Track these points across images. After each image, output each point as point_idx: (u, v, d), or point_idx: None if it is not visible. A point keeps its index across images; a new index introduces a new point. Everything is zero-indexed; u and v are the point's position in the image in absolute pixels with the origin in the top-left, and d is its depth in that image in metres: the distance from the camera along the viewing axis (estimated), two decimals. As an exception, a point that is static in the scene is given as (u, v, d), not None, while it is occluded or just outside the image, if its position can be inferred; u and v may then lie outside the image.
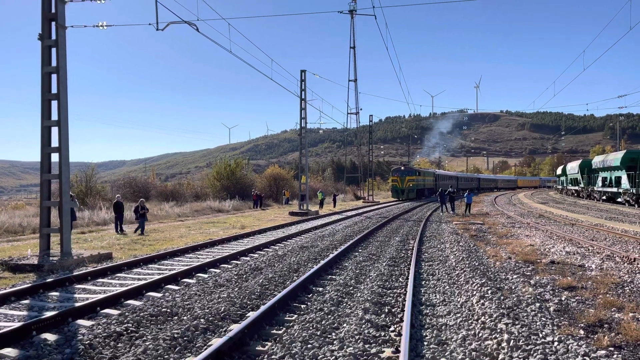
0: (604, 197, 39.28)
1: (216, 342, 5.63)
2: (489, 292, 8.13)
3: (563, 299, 7.70)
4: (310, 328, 6.34)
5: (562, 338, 5.78)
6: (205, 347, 5.75)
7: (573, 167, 52.22)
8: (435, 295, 8.28)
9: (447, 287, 8.90)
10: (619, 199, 35.25)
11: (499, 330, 6.14)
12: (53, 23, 12.52)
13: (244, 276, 9.93)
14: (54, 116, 12.55)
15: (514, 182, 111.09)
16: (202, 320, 6.67)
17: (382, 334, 6.19)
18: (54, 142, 12.61)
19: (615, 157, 35.68)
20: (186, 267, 10.52)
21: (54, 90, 12.51)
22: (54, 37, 12.50)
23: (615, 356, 5.24)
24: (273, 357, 5.40)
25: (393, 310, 7.31)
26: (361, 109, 62.94)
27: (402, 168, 54.81)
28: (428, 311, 7.31)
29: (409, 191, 52.33)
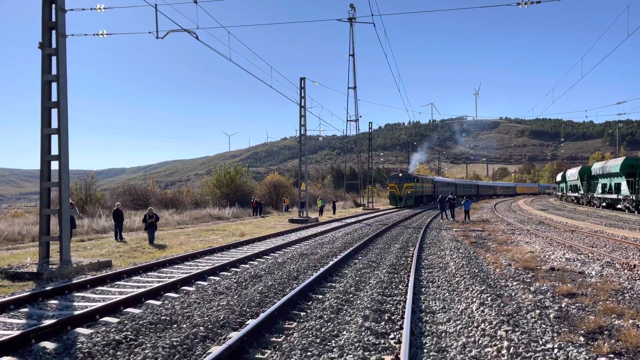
0: (604, 204, 39.27)
1: (215, 350, 5.62)
2: (489, 299, 8.12)
3: (563, 305, 7.69)
4: (310, 336, 6.33)
5: (562, 345, 5.77)
6: (205, 355, 5.74)
7: (573, 173, 52.27)
8: (435, 302, 8.27)
9: (447, 294, 8.89)
10: (619, 206, 35.23)
11: (498, 337, 6.13)
12: (53, 32, 12.60)
13: (244, 284, 9.91)
14: (54, 124, 12.59)
15: (512, 189, 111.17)
16: (201, 328, 6.65)
17: (382, 341, 6.17)
18: (54, 150, 12.65)
19: (614, 164, 35.73)
20: (186, 275, 10.50)
21: (54, 98, 12.56)
22: (54, 45, 12.57)
23: (615, 363, 5.23)
24: (272, 365, 5.39)
25: (393, 317, 7.29)
26: (361, 116, 63.04)
27: (400, 175, 54.38)
28: (428, 318, 7.29)
29: (407, 198, 51.80)
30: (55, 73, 12.52)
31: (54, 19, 12.54)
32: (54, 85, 12.61)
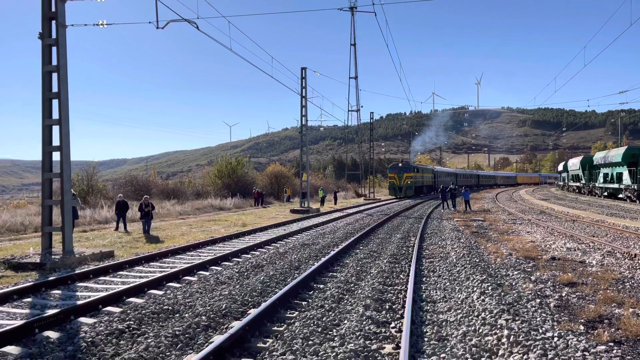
0: (606, 193, 39.24)
1: (217, 339, 5.66)
2: (490, 288, 8.15)
3: (563, 294, 7.72)
4: (311, 325, 6.37)
5: (562, 333, 5.80)
6: (207, 344, 5.78)
7: (574, 163, 52.18)
8: (436, 292, 8.31)
9: (448, 283, 8.92)
10: (620, 195, 35.21)
11: (499, 326, 6.16)
12: (53, 22, 12.54)
13: (245, 273, 9.96)
14: (55, 115, 12.58)
15: (513, 178, 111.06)
16: (203, 317, 6.70)
17: (383, 330, 6.22)
18: (55, 141, 12.64)
19: (616, 153, 35.64)
20: (188, 265, 10.54)
21: (55, 89, 12.53)
22: (54, 35, 12.51)
23: (615, 351, 5.25)
24: (274, 353, 5.43)
25: (394, 306, 7.33)
26: (362, 106, 62.89)
27: (400, 165, 53.56)
28: (429, 307, 7.33)
29: (407, 188, 51.04)
30: (55, 63, 12.48)
31: (53, 9, 12.48)
32: (54, 75, 12.57)
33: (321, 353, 5.41)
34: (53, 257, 11.80)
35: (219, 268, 10.78)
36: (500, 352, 5.39)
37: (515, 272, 9.57)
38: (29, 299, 8.19)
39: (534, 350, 5.31)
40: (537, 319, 6.39)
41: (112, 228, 20.52)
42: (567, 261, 10.83)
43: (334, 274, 9.92)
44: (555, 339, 5.65)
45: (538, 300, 7.32)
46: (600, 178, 40.35)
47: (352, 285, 8.79)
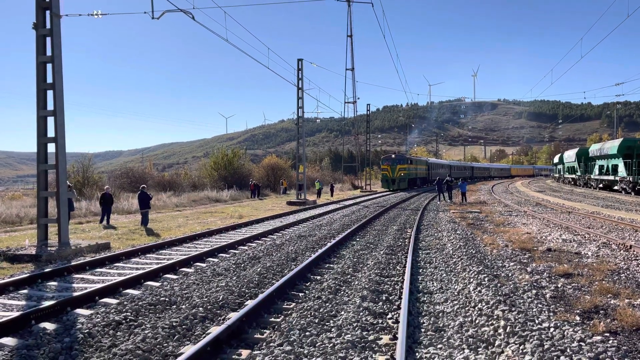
0: (601, 185, 39.39)
1: (215, 330, 5.66)
2: (486, 279, 8.17)
3: (559, 285, 7.75)
4: (309, 316, 6.37)
5: (558, 324, 5.83)
6: (204, 335, 5.78)
7: (570, 155, 52.31)
8: (433, 283, 8.33)
9: (444, 274, 8.95)
10: (616, 187, 35.35)
11: (495, 317, 6.18)
12: (47, 12, 12.40)
13: (242, 265, 9.96)
14: (50, 106, 12.48)
15: (507, 170, 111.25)
16: (200, 309, 6.69)
17: (380, 321, 6.22)
18: (50, 132, 12.56)
19: (612, 145, 35.74)
20: (184, 257, 10.52)
21: (50, 79, 12.43)
22: (48, 26, 12.38)
23: (610, 342, 5.28)
24: (271, 344, 5.43)
25: (390, 298, 7.34)
26: (358, 98, 62.78)
27: (393, 156, 52.35)
28: (425, 299, 7.35)
29: (400, 181, 50.04)
30: (50, 54, 12.37)
31: (47, -1, 12.35)
32: (49, 66, 12.45)
33: (318, 344, 5.42)
34: (49, 248, 11.75)
35: (216, 260, 10.77)
36: (497, 342, 5.41)
37: (512, 264, 9.60)
38: (25, 291, 8.17)
39: (531, 340, 5.33)
40: (534, 310, 6.42)
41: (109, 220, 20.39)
42: (563, 252, 10.87)
43: (331, 265, 9.93)
44: (552, 329, 5.67)
45: (534, 291, 7.35)
46: (596, 170, 40.47)
47: (349, 276, 8.81)
